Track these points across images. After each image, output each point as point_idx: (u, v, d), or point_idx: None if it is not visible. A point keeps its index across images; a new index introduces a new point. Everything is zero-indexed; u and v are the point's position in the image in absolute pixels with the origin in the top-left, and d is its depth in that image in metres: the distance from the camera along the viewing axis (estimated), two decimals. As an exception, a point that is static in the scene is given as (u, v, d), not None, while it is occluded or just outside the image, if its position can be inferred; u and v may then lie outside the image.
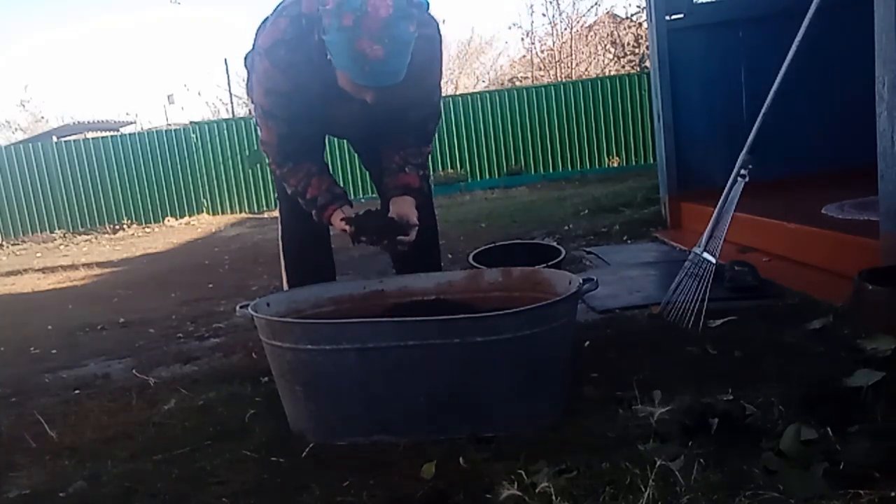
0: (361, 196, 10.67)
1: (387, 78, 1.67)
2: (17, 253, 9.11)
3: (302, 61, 1.80)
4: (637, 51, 12.83)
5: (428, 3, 1.70)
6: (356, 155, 2.45)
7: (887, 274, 2.09)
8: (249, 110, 17.70)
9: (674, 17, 4.16)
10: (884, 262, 2.30)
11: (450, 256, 4.04)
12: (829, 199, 3.32)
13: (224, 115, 19.27)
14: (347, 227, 1.92)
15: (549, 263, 2.41)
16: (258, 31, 2.13)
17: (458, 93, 15.01)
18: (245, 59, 2.20)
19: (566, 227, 4.95)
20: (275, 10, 1.92)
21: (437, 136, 2.24)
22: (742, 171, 2.43)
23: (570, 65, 17.64)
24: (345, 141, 2.44)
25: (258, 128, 2.10)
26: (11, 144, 12.53)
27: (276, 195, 2.34)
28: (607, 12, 18.10)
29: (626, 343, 2.18)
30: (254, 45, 2.15)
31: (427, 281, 2.06)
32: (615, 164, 11.10)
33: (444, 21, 2.26)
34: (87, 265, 6.51)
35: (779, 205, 3.39)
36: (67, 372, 2.70)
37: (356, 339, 1.60)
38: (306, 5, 1.78)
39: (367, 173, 2.34)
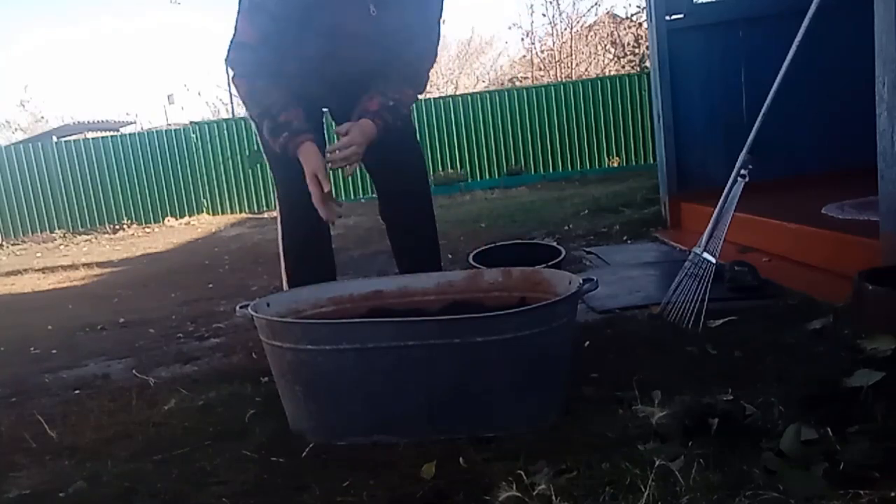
0: (361, 196, 10.68)
1: None
2: (17, 253, 9.11)
3: None
4: (637, 51, 12.82)
5: None
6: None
7: (887, 274, 2.09)
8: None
9: (674, 17, 4.16)
10: (884, 262, 2.30)
11: (450, 256, 4.03)
12: (829, 199, 3.32)
13: (224, 115, 19.27)
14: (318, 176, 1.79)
15: (549, 263, 2.41)
16: None
17: (458, 93, 15.01)
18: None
19: (566, 227, 4.95)
20: None
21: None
22: (742, 171, 2.43)
23: (570, 65, 17.65)
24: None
25: (235, 27, 1.80)
26: (11, 144, 12.53)
27: (275, 195, 2.32)
28: (607, 12, 18.14)
29: (626, 343, 2.18)
30: None
31: (427, 281, 2.05)
32: (615, 164, 11.10)
33: (444, 21, 2.28)
34: (87, 265, 6.51)
35: (779, 205, 3.39)
36: (67, 372, 2.70)
37: (356, 339, 1.60)
38: None
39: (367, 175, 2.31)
